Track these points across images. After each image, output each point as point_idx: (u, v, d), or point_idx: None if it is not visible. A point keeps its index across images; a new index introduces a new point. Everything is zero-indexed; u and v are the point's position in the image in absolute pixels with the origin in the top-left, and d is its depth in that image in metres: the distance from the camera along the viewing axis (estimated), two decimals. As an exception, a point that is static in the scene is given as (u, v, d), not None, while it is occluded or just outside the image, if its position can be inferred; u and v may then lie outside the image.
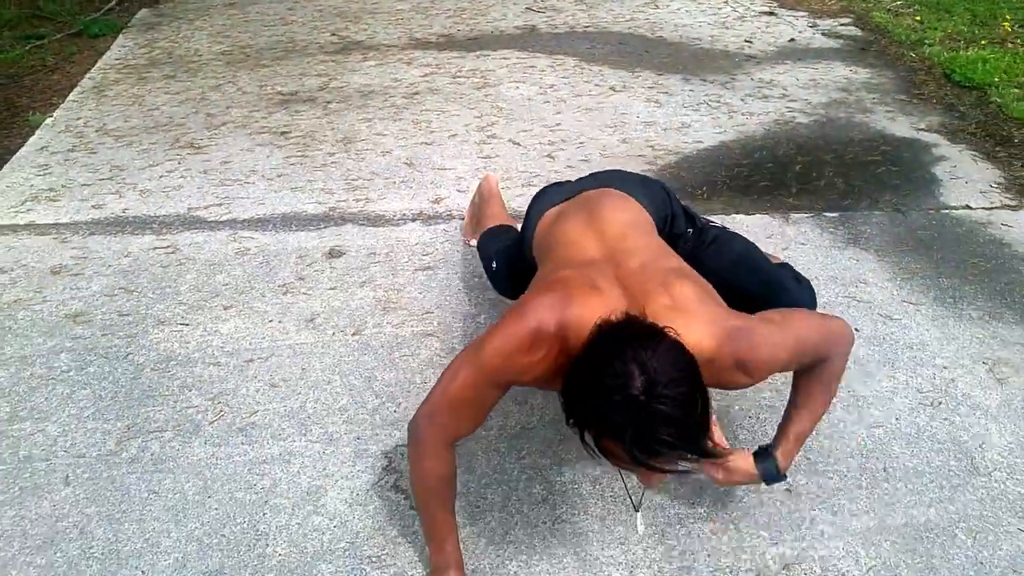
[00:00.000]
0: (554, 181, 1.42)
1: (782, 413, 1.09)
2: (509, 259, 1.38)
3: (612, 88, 2.65)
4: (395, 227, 1.86)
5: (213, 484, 1.21)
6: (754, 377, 0.98)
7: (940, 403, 1.34)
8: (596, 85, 2.67)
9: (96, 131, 2.39)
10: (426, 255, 1.75)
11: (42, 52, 3.01)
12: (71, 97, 2.64)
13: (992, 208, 1.90)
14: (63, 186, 2.07)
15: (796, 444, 1.07)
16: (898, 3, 3.44)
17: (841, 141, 2.27)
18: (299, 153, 2.22)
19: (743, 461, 1.06)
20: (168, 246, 1.80)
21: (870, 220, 1.86)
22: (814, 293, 1.31)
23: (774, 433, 1.10)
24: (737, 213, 1.91)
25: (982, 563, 1.08)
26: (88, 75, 2.81)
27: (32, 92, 2.69)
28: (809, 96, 2.58)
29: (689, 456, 0.85)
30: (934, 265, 1.70)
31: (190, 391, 1.38)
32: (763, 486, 1.12)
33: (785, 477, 1.08)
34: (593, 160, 2.16)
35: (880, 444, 1.27)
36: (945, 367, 1.41)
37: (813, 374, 1.04)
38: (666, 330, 0.86)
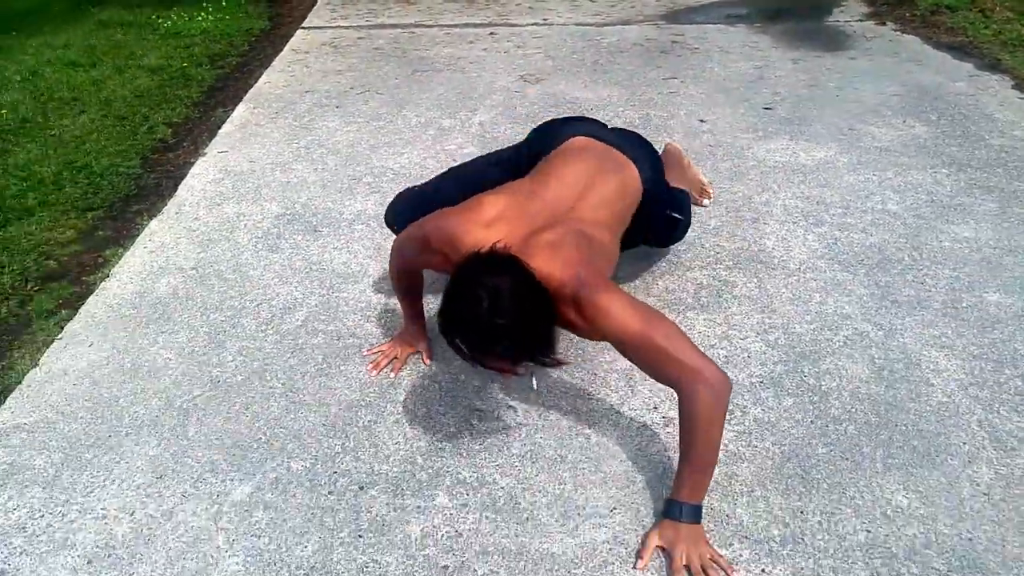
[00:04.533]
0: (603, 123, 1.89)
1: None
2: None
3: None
4: (521, 28, 4.14)
5: (452, 85, 3.49)
6: (585, 317, 1.30)
7: (761, 69, 3.40)
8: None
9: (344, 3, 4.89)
10: (539, 36, 4.01)
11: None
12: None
13: (849, 21, 3.92)
14: (344, 16, 4.52)
15: (693, 480, 1.31)
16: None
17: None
18: (468, 6, 4.59)
19: (650, 538, 1.33)
20: (408, 32, 4.17)
21: (777, 28, 3.93)
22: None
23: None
24: (707, 24, 4.03)
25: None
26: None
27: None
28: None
29: (525, 361, 1.29)
30: (799, 40, 3.74)
31: (439, 64, 3.69)
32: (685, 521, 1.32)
33: (698, 507, 1.32)
34: (599, 19, 4.34)
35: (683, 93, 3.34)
36: (768, 61, 3.47)
37: (685, 421, 1.28)
38: (521, 264, 1.25)
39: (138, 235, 2.45)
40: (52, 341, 2.01)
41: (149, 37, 4.46)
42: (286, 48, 4.07)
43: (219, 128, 3.17)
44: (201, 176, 2.77)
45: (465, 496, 1.48)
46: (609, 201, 1.54)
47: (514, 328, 1.21)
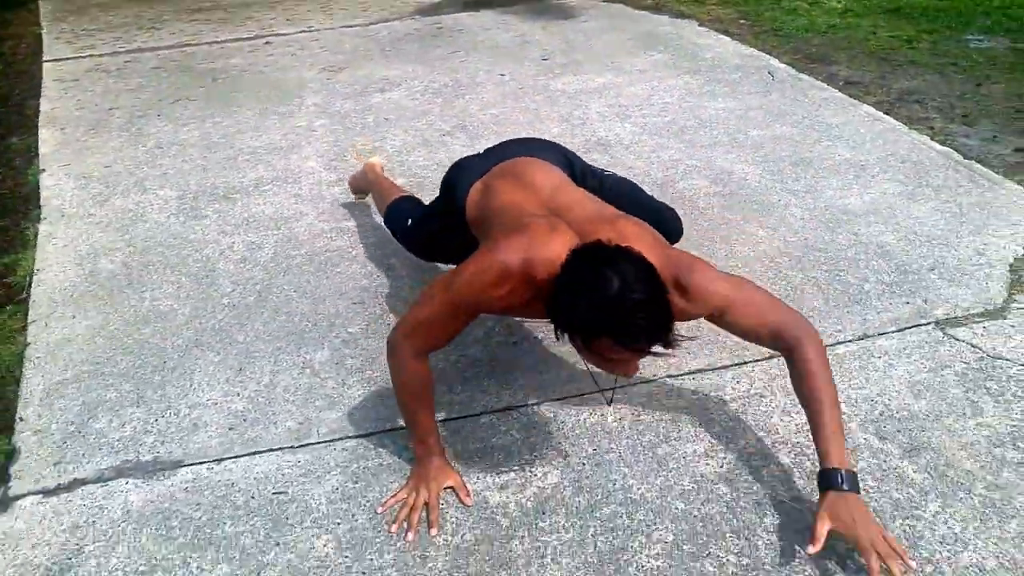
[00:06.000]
0: (466, 155, 1.97)
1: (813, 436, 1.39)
2: (427, 228, 1.93)
3: None
4: (291, 35, 4.57)
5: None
6: (692, 300, 1.38)
7: (523, 36, 4.32)
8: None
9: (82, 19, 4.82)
10: (315, 40, 4.48)
11: None
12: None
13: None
14: (90, 45, 4.50)
15: (837, 441, 1.33)
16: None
17: None
18: (223, 25, 4.85)
19: (820, 520, 1.28)
20: (177, 51, 4.34)
21: (516, 9, 4.92)
22: (679, 221, 1.88)
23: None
24: (455, 13, 4.86)
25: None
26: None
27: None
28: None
29: (661, 344, 1.24)
30: (537, 15, 4.76)
31: (235, 71, 3.96)
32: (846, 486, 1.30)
33: (855, 474, 1.34)
34: (360, 21, 5.02)
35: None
36: (523, 31, 4.42)
37: (809, 374, 1.37)
38: (629, 248, 1.26)
39: (32, 239, 2.48)
40: (26, 326, 2.06)
41: None
42: (46, 79, 3.98)
43: (34, 151, 3.14)
44: (60, 186, 2.80)
45: (514, 323, 2.02)
46: (562, 187, 1.62)
47: (648, 298, 1.23)
